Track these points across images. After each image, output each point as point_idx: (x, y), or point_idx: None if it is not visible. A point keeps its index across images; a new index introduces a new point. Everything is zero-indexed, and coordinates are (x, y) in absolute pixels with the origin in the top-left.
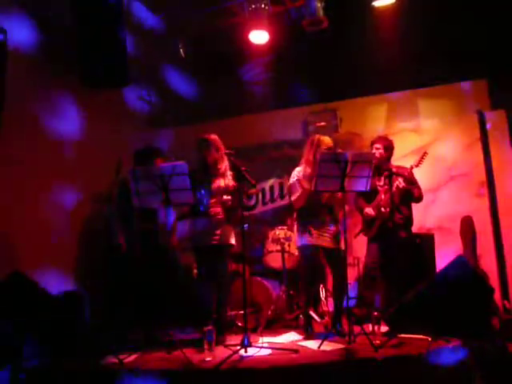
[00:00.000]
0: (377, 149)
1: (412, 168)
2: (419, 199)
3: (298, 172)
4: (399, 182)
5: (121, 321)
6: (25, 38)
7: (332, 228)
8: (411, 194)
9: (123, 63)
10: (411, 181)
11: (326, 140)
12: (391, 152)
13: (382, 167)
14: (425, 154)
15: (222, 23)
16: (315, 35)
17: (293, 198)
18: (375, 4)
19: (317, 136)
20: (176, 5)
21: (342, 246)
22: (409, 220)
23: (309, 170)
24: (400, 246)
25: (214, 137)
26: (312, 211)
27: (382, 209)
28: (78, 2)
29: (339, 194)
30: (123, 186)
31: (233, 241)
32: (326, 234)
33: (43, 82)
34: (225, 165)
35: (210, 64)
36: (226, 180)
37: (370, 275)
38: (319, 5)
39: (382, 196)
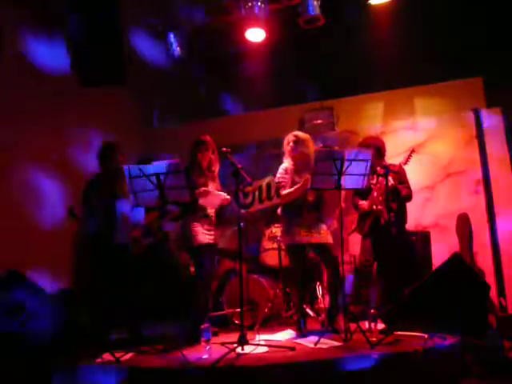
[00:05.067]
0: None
1: (401, 165)
2: (406, 199)
3: (287, 167)
4: (389, 180)
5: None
6: (21, 36)
7: (319, 224)
8: (398, 192)
9: (120, 61)
10: (400, 179)
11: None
12: (378, 150)
13: (374, 166)
14: (412, 151)
15: (219, 21)
16: (311, 33)
17: (283, 192)
18: (371, 2)
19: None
20: (173, 2)
21: (331, 241)
22: (401, 217)
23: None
24: (392, 243)
25: (210, 138)
26: (298, 209)
27: (374, 206)
28: None
29: (326, 192)
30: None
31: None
32: (314, 231)
33: (38, 81)
34: (218, 167)
35: (206, 62)
36: (217, 182)
37: (364, 272)
38: (315, 3)
39: (375, 194)
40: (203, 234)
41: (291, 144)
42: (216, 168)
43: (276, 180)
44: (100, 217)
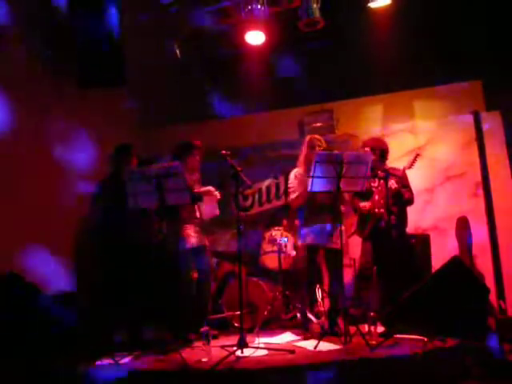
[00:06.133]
0: (365, 151)
1: (404, 170)
2: (409, 202)
3: (296, 173)
4: (392, 183)
5: (107, 321)
6: (18, 35)
7: (331, 227)
8: (401, 196)
9: (120, 61)
10: (403, 182)
11: (315, 140)
12: (382, 153)
13: (376, 169)
14: (417, 155)
15: (219, 23)
16: (311, 35)
17: (291, 198)
18: (371, 5)
19: (308, 136)
20: (173, 4)
21: (339, 246)
22: (402, 220)
23: (301, 171)
24: (392, 246)
25: (201, 144)
26: (312, 210)
27: (376, 209)
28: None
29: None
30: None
31: (207, 242)
32: (322, 233)
33: (37, 82)
34: (199, 175)
35: (205, 64)
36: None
37: (364, 275)
38: (315, 5)
39: (376, 197)
40: (194, 237)
41: (318, 149)
42: (198, 175)
43: (288, 186)
44: (115, 217)
